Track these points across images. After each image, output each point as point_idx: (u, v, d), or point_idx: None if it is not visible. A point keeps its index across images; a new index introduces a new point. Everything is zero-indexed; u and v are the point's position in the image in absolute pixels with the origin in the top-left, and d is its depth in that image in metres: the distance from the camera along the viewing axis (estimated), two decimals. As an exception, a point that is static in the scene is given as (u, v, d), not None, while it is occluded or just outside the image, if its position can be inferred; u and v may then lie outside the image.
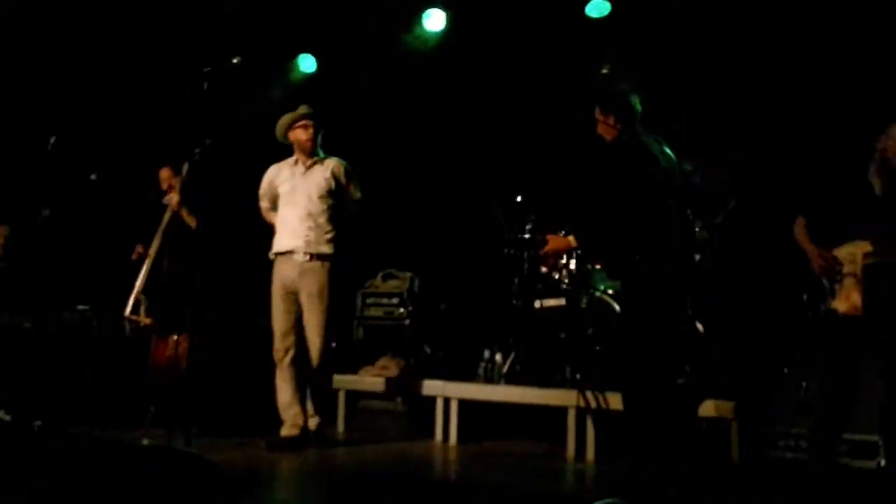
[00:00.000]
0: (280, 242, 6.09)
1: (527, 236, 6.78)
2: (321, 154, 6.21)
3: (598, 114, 4.93)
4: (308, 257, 5.95)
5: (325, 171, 6.11)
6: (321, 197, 6.03)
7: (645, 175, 4.65)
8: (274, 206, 6.25)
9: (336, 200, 6.09)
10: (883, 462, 4.86)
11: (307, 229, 5.98)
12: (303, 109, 6.17)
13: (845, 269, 4.46)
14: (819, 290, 4.60)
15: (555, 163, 7.30)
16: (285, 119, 6.18)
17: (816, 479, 4.54)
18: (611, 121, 4.87)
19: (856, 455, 4.92)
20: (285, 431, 5.89)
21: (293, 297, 6.00)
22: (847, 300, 4.44)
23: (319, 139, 6.20)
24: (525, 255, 6.84)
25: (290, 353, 5.94)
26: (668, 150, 4.85)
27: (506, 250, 6.95)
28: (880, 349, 4.31)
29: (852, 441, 4.94)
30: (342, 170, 6.14)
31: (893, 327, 4.24)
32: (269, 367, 6.10)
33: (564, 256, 6.54)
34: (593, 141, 5.08)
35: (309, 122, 6.13)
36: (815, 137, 6.09)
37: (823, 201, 4.71)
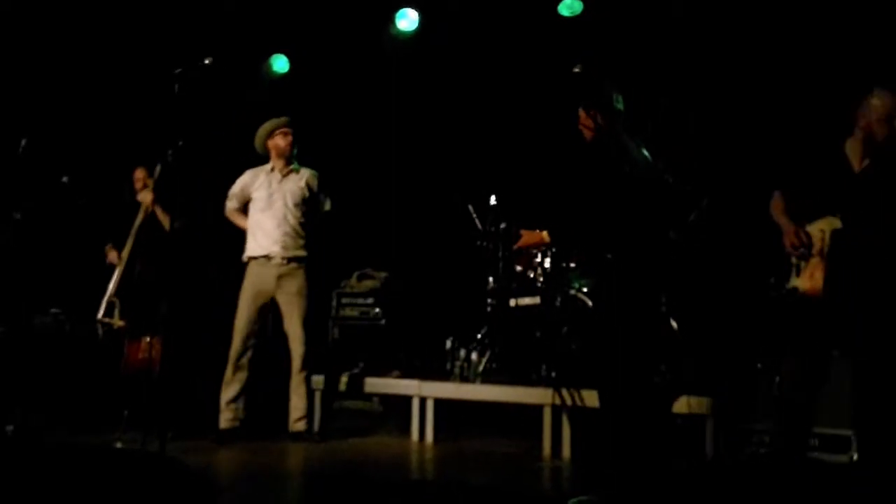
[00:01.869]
0: (255, 247, 6.22)
1: (501, 227, 6.80)
2: (296, 164, 6.40)
3: (580, 111, 4.95)
4: (285, 261, 6.15)
5: (300, 180, 6.34)
6: (296, 204, 6.26)
7: (620, 175, 4.68)
8: (242, 209, 6.41)
9: (309, 209, 6.33)
10: (855, 456, 4.90)
11: (283, 234, 6.18)
12: (284, 119, 6.38)
13: (814, 249, 4.37)
14: (786, 267, 4.53)
15: (528, 161, 7.31)
16: (266, 126, 6.39)
17: (787, 474, 4.53)
18: (592, 119, 4.89)
19: (828, 449, 4.96)
20: (227, 424, 6.11)
21: (264, 301, 6.18)
22: (810, 279, 4.33)
23: (295, 148, 6.38)
24: (499, 252, 6.85)
25: (248, 355, 6.15)
26: (644, 152, 4.88)
27: (479, 243, 6.97)
28: (841, 335, 4.29)
29: (823, 435, 4.99)
30: (315, 181, 6.40)
31: (854, 309, 4.21)
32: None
33: (539, 255, 6.55)
34: (571, 137, 5.10)
35: (289, 130, 6.35)
36: (788, 113, 6.13)
37: (799, 176, 4.65)
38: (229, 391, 6.14)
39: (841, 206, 4.32)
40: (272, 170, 6.35)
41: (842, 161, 4.43)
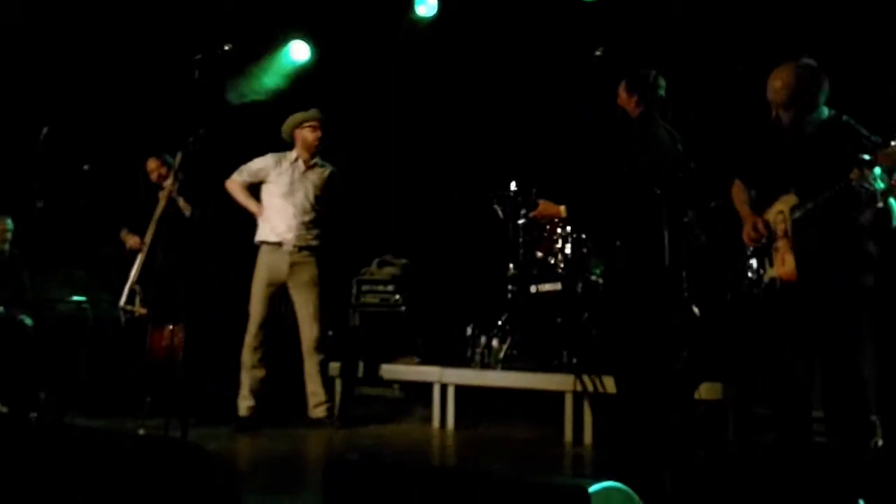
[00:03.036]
0: (269, 232, 6.27)
1: (518, 197, 6.79)
2: (319, 158, 6.44)
3: (622, 89, 4.93)
4: (297, 249, 6.20)
5: (322, 175, 6.39)
6: (317, 197, 6.31)
7: (642, 159, 4.67)
8: (249, 187, 6.40)
9: (327, 204, 6.38)
10: (881, 442, 4.87)
11: (299, 224, 6.23)
12: (315, 112, 6.37)
13: (779, 230, 4.21)
14: (759, 259, 4.41)
15: (550, 146, 7.27)
16: (297, 117, 6.38)
17: (802, 461, 4.47)
18: (633, 100, 4.88)
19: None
20: (247, 412, 6.17)
21: (277, 288, 6.23)
22: (783, 265, 4.18)
23: (321, 144, 6.40)
24: (520, 238, 6.82)
25: (264, 340, 6.19)
26: (678, 143, 4.86)
27: (494, 206, 6.93)
28: (817, 318, 4.16)
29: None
30: (336, 179, 6.45)
31: (825, 285, 4.07)
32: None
33: (560, 241, 6.52)
34: (594, 121, 5.08)
35: (318, 125, 6.34)
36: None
37: (752, 160, 4.55)
38: (247, 378, 6.17)
39: (792, 184, 4.21)
40: (296, 159, 6.35)
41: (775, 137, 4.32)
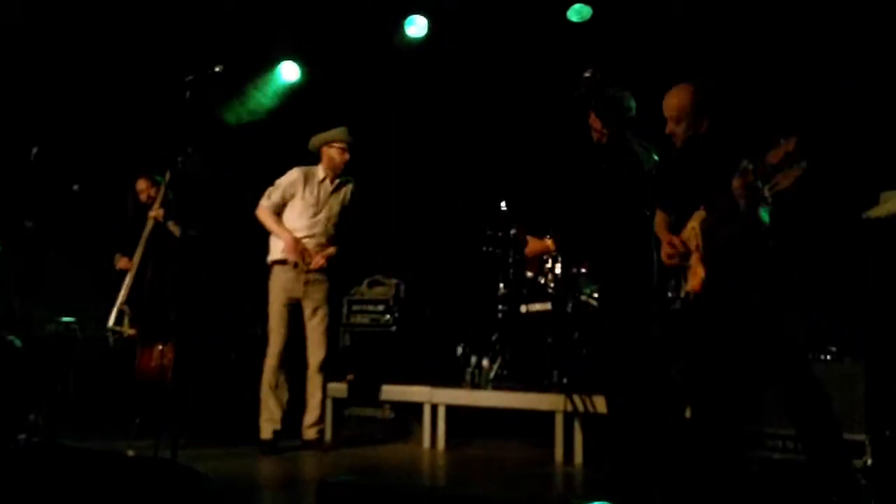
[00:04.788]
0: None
1: (511, 233, 6.80)
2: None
3: (591, 115, 4.95)
4: (309, 270, 6.12)
5: (346, 192, 6.34)
6: (340, 215, 6.28)
7: (627, 179, 4.69)
8: (276, 209, 6.27)
9: (347, 220, 6.35)
10: (870, 461, 4.88)
11: (318, 245, 6.16)
12: (345, 135, 6.27)
13: (691, 246, 4.24)
14: (675, 276, 4.44)
15: (538, 167, 7.30)
16: (327, 135, 6.28)
17: (801, 478, 4.49)
18: (598, 124, 4.90)
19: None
20: (270, 434, 6.04)
21: (294, 307, 6.15)
22: (695, 276, 4.20)
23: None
24: (510, 258, 6.84)
25: (284, 360, 6.11)
26: (655, 157, 4.88)
27: (484, 248, 6.95)
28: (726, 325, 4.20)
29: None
30: (357, 193, 6.39)
31: (731, 284, 4.13)
32: (256, 375, 6.14)
33: (550, 261, 6.54)
34: (579, 143, 5.10)
35: (347, 148, 6.25)
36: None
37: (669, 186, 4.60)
38: (270, 400, 6.08)
39: (704, 202, 4.25)
40: (324, 179, 6.27)
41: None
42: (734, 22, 6.66)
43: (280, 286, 6.15)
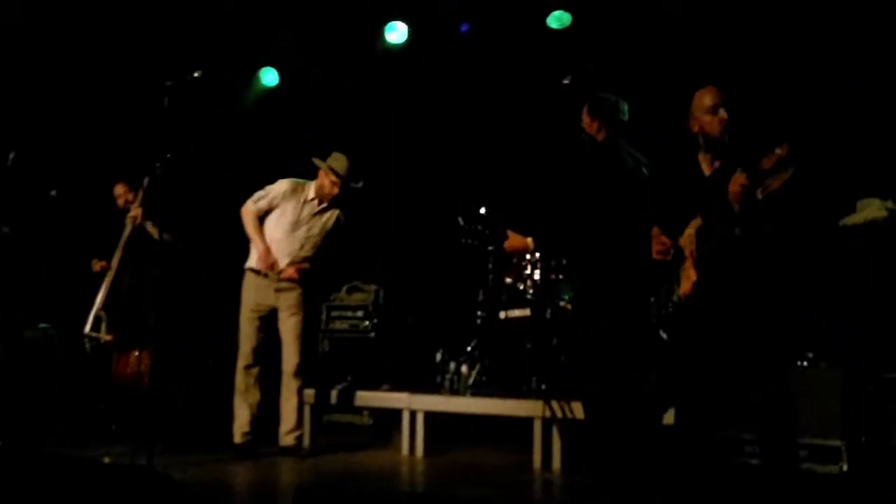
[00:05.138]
0: (260, 262, 6.16)
1: (486, 231, 6.79)
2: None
3: (585, 115, 4.96)
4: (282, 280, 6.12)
5: (331, 218, 6.31)
6: (319, 237, 6.25)
7: (611, 183, 4.70)
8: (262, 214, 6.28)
9: (327, 246, 6.32)
10: (846, 467, 4.92)
11: (293, 261, 6.15)
12: (342, 170, 6.21)
13: (686, 252, 4.37)
14: (667, 281, 4.52)
15: (520, 168, 7.31)
16: (331, 163, 6.22)
17: (779, 485, 4.51)
18: (596, 125, 4.92)
19: (817, 460, 4.97)
20: (243, 439, 6.07)
21: (265, 312, 6.15)
22: (688, 280, 4.28)
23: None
24: (489, 264, 6.85)
25: (257, 366, 6.12)
26: (643, 167, 4.90)
27: (463, 240, 6.92)
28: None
29: (813, 446, 5.00)
30: (340, 223, 6.35)
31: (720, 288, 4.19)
32: (232, 382, 6.13)
33: (529, 267, 6.54)
34: (561, 146, 5.11)
35: (339, 182, 6.20)
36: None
37: (668, 196, 4.66)
38: (242, 404, 6.10)
39: (700, 210, 4.33)
40: (312, 199, 6.25)
41: (697, 170, 4.43)
42: (732, 22, 6.70)
43: (251, 292, 6.17)
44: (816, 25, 6.26)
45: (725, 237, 4.13)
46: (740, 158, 4.11)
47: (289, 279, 6.10)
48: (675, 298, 4.41)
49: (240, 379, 6.11)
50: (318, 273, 6.30)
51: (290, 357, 6.12)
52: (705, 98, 4.31)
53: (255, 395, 6.10)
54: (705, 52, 6.68)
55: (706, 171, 4.42)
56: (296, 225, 6.20)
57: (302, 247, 6.19)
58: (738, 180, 3.97)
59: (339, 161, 6.22)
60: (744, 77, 6.28)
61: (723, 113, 4.26)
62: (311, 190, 6.26)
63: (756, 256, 4.19)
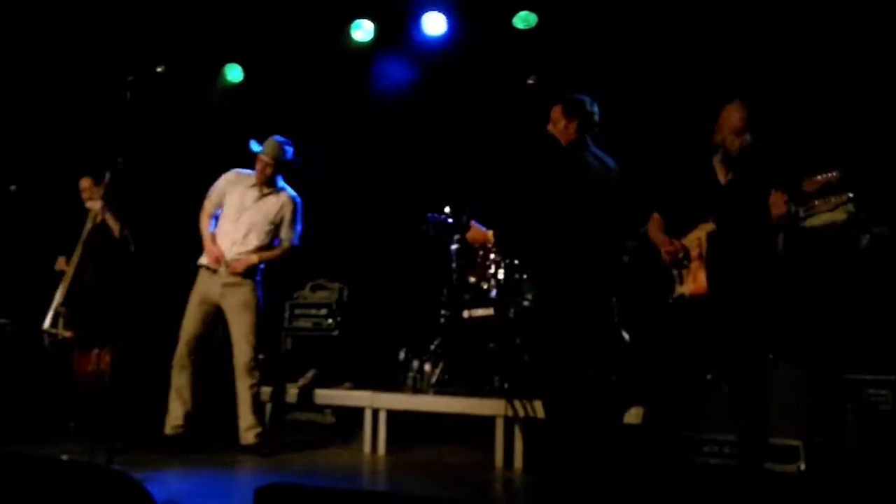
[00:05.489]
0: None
1: (449, 220, 6.79)
2: (279, 185, 6.30)
3: (559, 114, 4.98)
4: (231, 274, 6.08)
5: (276, 204, 6.24)
6: (266, 227, 6.20)
7: (575, 182, 4.73)
8: (214, 210, 6.28)
9: (275, 235, 6.26)
10: (803, 466, 4.97)
11: (237, 253, 6.10)
12: (271, 150, 6.17)
13: (693, 254, 4.50)
14: (667, 278, 4.64)
15: (483, 171, 7.31)
16: (265, 146, 6.18)
17: (741, 483, 4.57)
18: (573, 125, 4.94)
19: (777, 459, 5.02)
20: (172, 431, 6.06)
21: (209, 309, 6.12)
22: (694, 282, 4.46)
23: (276, 177, 6.28)
24: (453, 263, 6.85)
25: (192, 359, 6.08)
26: (609, 163, 4.93)
27: (424, 228, 6.91)
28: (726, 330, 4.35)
29: (772, 445, 5.04)
30: (290, 209, 6.27)
31: (733, 292, 4.32)
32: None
33: (493, 266, 6.55)
34: (526, 146, 5.14)
35: (269, 162, 6.16)
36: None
37: (674, 195, 4.78)
38: (175, 397, 6.07)
39: (713, 216, 4.44)
40: (254, 185, 6.23)
41: (711, 175, 4.55)
42: (732, 22, 6.74)
43: (198, 287, 6.16)
44: (816, 25, 6.30)
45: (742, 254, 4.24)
46: (758, 174, 4.24)
47: (235, 273, 6.05)
48: (675, 295, 4.52)
49: (174, 372, 6.08)
50: (271, 267, 6.27)
51: (239, 354, 6.07)
52: (734, 117, 4.43)
53: (189, 390, 6.06)
54: (705, 52, 6.72)
55: (721, 178, 4.51)
56: (240, 211, 6.17)
57: (247, 234, 6.13)
58: (779, 203, 4.09)
59: (268, 144, 6.19)
60: (744, 77, 6.33)
61: (747, 138, 4.39)
62: (253, 176, 6.25)
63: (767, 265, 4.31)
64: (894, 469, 4.93)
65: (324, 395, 6.74)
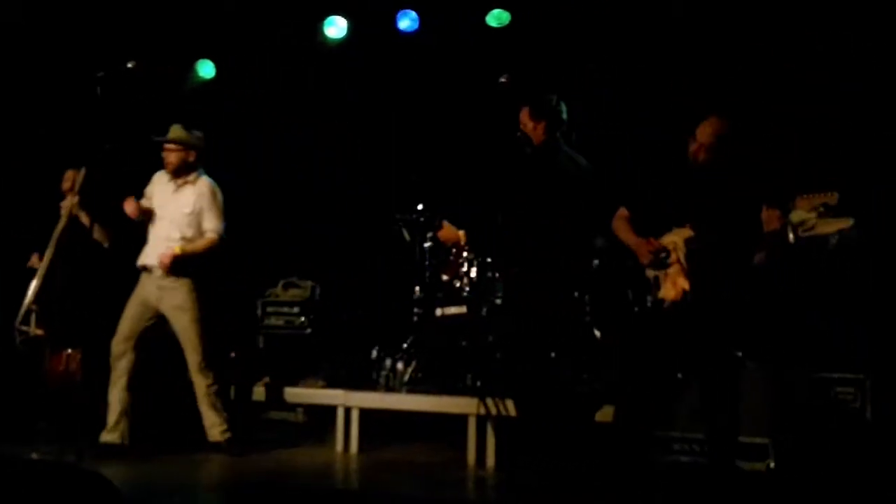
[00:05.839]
0: (143, 256, 6.05)
1: (420, 218, 6.79)
2: (199, 173, 6.13)
3: (527, 116, 4.99)
4: (163, 275, 5.92)
5: (193, 193, 6.05)
6: (185, 218, 6.01)
7: (548, 182, 4.76)
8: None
9: (199, 225, 6.05)
10: (772, 464, 5.01)
11: (165, 249, 5.92)
12: (173, 133, 6.03)
13: (672, 258, 4.43)
14: (641, 279, 4.60)
15: (456, 170, 7.32)
16: (171, 133, 6.05)
17: (711, 481, 4.60)
18: (541, 126, 4.95)
19: (745, 458, 5.05)
20: (107, 438, 5.80)
21: (147, 310, 5.96)
22: (674, 287, 4.39)
23: (192, 160, 6.09)
24: (426, 261, 6.85)
25: (127, 358, 5.87)
26: (581, 162, 4.95)
27: (396, 226, 6.89)
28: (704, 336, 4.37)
29: (741, 443, 5.09)
30: (206, 194, 6.06)
31: (716, 306, 4.33)
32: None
33: (466, 265, 6.55)
34: (499, 145, 5.15)
35: (174, 147, 6.02)
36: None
37: (645, 193, 4.76)
38: (111, 399, 5.87)
39: (689, 217, 4.44)
40: (169, 180, 6.09)
41: (689, 180, 4.55)
42: (732, 22, 6.76)
43: (137, 289, 6.01)
44: (816, 25, 6.34)
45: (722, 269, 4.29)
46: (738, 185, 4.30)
47: (166, 271, 5.87)
48: (654, 299, 4.50)
49: (112, 372, 5.89)
50: (201, 264, 6.07)
51: (188, 356, 5.93)
52: (706, 131, 4.44)
53: (122, 392, 5.86)
54: (705, 52, 6.75)
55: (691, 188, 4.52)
56: (162, 208, 6.06)
57: (170, 230, 5.98)
58: (773, 219, 4.11)
59: (171, 129, 6.05)
60: (743, 77, 6.37)
61: (717, 154, 4.39)
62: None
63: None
64: (862, 466, 4.99)
65: (296, 394, 6.73)
